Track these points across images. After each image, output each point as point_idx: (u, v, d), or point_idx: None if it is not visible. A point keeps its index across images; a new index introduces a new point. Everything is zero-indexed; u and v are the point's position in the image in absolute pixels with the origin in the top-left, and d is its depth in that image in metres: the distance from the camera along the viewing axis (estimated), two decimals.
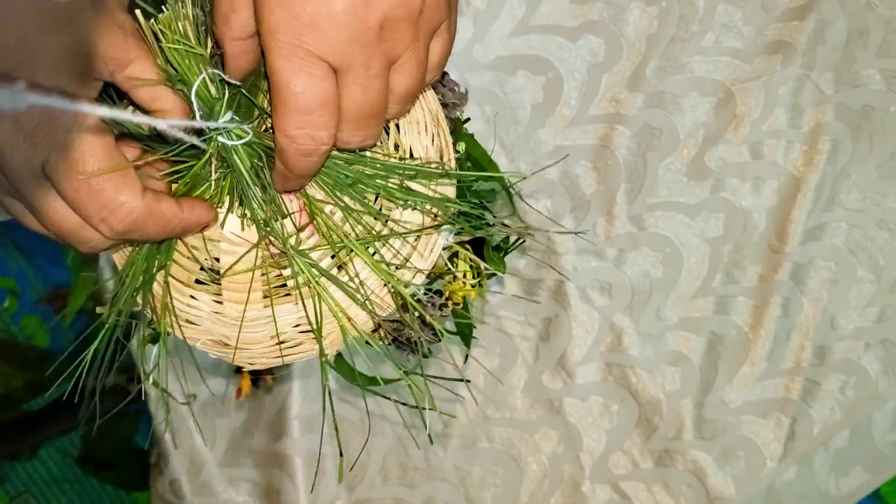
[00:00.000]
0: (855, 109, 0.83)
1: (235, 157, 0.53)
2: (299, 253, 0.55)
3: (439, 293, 0.64)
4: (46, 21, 0.44)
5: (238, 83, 0.52)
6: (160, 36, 0.51)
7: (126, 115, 0.39)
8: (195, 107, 0.52)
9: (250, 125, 0.52)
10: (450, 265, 0.61)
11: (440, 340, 0.61)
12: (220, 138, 0.52)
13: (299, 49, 0.43)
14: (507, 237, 0.67)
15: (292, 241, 0.55)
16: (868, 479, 0.83)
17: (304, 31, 0.43)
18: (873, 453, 0.83)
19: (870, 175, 0.83)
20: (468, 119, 0.67)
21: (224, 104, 0.52)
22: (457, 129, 0.65)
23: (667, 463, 0.85)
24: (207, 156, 0.54)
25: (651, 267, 0.85)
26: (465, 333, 0.70)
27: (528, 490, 0.87)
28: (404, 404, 0.60)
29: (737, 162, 0.84)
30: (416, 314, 0.57)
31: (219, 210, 0.56)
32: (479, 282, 0.64)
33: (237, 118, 0.52)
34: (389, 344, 0.61)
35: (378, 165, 0.55)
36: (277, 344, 0.57)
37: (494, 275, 0.66)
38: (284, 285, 0.56)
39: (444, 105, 0.64)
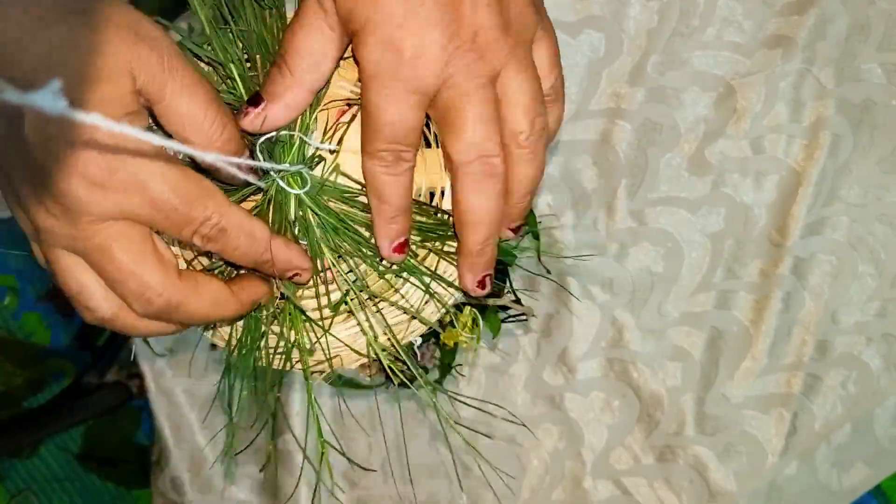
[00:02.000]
0: (856, 104, 0.83)
1: (289, 204, 0.53)
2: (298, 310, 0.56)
3: (436, 336, 0.65)
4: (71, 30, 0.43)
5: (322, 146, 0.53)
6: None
7: (183, 147, 0.38)
8: (256, 148, 0.52)
9: (309, 168, 0.53)
10: (454, 319, 0.61)
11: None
12: (279, 181, 0.52)
13: (398, 84, 0.45)
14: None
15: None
16: (870, 474, 0.83)
17: (404, 63, 0.44)
18: (875, 448, 0.83)
19: (871, 169, 0.83)
20: None
21: (292, 154, 0.52)
22: None
23: (668, 458, 0.85)
24: (265, 197, 0.54)
25: (652, 262, 0.85)
26: (446, 366, 0.71)
27: (529, 486, 0.87)
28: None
29: (737, 157, 0.84)
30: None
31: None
32: (473, 338, 0.65)
33: (301, 163, 0.53)
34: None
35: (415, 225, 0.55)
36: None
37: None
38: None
39: None
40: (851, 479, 0.84)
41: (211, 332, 0.58)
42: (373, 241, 0.54)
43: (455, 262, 0.55)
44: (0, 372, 1.36)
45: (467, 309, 0.64)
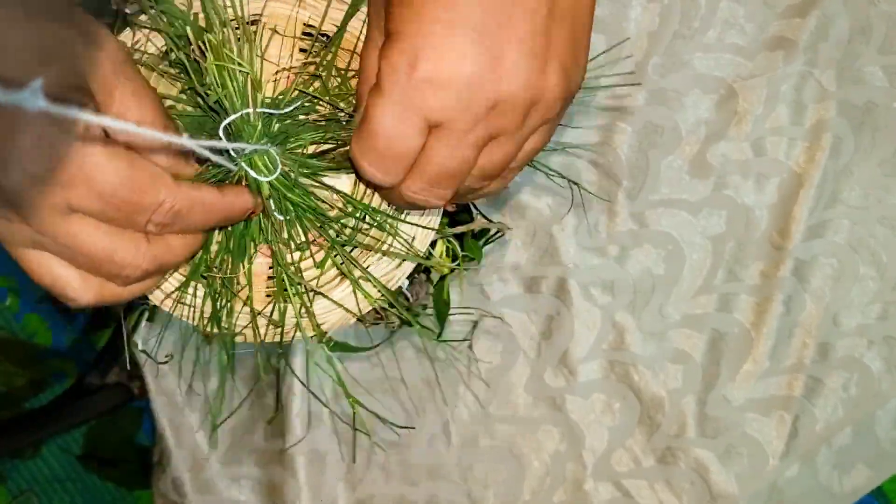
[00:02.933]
0: (857, 106, 0.83)
1: (262, 184, 0.54)
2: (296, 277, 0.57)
3: (427, 271, 0.66)
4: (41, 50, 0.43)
5: (276, 111, 0.53)
6: (207, 53, 0.52)
7: (152, 132, 0.39)
8: (221, 132, 0.53)
9: (278, 149, 0.53)
10: (430, 250, 0.63)
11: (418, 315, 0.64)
12: (249, 170, 0.53)
13: (408, 101, 0.44)
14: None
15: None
16: (871, 476, 0.83)
17: (420, 85, 0.43)
18: (876, 451, 0.83)
19: (872, 172, 0.83)
20: None
21: (257, 133, 0.53)
22: None
23: (669, 461, 0.85)
24: (235, 178, 0.55)
25: (653, 264, 0.85)
26: (441, 312, 0.71)
27: (530, 488, 0.87)
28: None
29: (739, 159, 0.84)
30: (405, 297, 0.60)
31: None
32: (457, 265, 0.66)
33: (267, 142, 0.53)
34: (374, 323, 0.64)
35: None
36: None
37: (472, 259, 0.68)
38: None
39: None
40: (853, 481, 0.83)
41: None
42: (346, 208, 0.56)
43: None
44: (1, 372, 1.36)
45: (440, 243, 0.65)
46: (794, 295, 0.83)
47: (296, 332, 0.58)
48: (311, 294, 0.57)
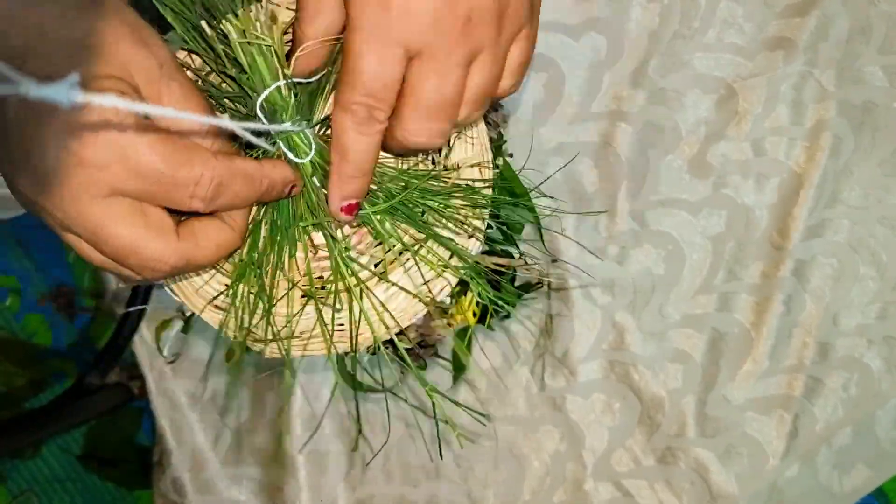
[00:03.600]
0: (857, 106, 0.83)
1: (304, 166, 0.53)
2: (348, 259, 0.55)
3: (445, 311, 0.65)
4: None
5: (306, 80, 0.53)
6: (231, 34, 0.51)
7: (188, 115, 0.38)
8: (259, 111, 0.52)
9: (312, 128, 0.53)
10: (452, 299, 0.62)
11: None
12: (285, 150, 0.53)
13: (381, 34, 0.45)
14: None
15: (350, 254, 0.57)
16: (871, 476, 0.83)
17: (391, 18, 0.44)
18: (876, 450, 0.83)
19: (872, 172, 0.83)
20: (505, 141, 0.68)
21: (290, 109, 0.53)
22: (493, 148, 0.67)
23: (669, 461, 0.85)
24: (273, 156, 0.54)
25: (653, 264, 0.85)
26: (459, 364, 0.71)
27: (530, 488, 0.87)
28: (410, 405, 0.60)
29: (739, 159, 0.84)
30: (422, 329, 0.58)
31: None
32: (488, 314, 0.65)
33: (301, 121, 0.53)
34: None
35: (422, 180, 0.56)
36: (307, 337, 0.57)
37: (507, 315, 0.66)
38: (323, 287, 0.57)
39: (486, 123, 0.65)
40: (853, 482, 0.83)
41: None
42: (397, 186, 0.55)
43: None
44: (1, 372, 1.36)
45: (470, 295, 0.64)
46: (794, 295, 0.83)
47: (331, 344, 0.57)
48: (364, 286, 0.56)
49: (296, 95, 0.53)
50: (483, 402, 0.87)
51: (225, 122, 0.40)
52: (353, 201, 0.52)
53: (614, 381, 0.86)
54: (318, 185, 0.55)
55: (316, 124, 0.55)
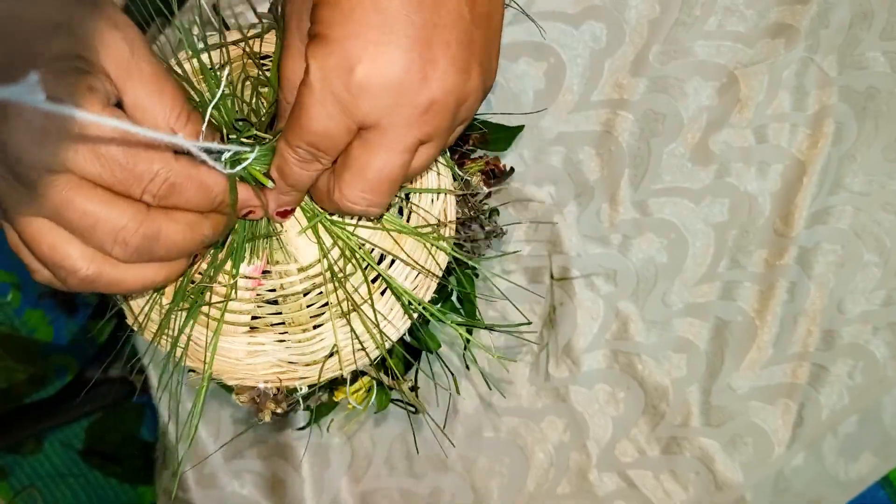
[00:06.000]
0: (859, 92, 0.83)
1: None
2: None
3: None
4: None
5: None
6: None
7: (154, 133, 0.38)
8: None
9: (258, 147, 0.53)
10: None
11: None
12: (250, 173, 0.53)
13: (337, 102, 0.44)
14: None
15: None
16: (877, 463, 0.83)
17: (355, 91, 0.43)
18: (882, 438, 0.83)
19: (875, 157, 0.83)
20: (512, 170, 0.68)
21: (254, 129, 0.52)
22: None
23: (674, 450, 0.85)
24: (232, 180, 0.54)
25: (656, 253, 0.85)
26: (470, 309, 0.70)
27: (534, 479, 0.87)
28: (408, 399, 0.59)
29: (741, 146, 0.84)
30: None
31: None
32: (363, 404, 0.66)
33: (246, 142, 0.52)
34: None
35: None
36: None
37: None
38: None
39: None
40: (859, 469, 0.83)
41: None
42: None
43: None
44: (2, 368, 1.36)
45: (366, 378, 0.64)
46: (797, 282, 0.83)
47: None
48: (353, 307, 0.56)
49: (258, 117, 0.53)
50: (487, 394, 0.87)
51: (182, 141, 0.40)
52: (289, 208, 0.54)
53: (618, 371, 0.85)
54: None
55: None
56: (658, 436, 0.85)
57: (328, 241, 0.56)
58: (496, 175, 0.68)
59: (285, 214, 0.54)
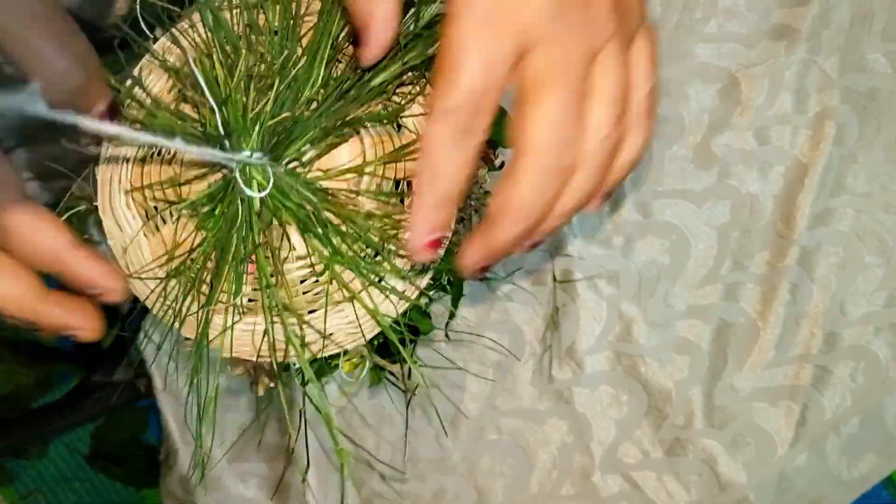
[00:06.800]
0: (861, 93, 0.83)
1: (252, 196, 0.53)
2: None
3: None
4: None
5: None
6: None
7: (143, 135, 0.38)
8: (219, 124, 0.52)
9: (275, 166, 0.52)
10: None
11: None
12: (238, 177, 0.52)
13: (492, 24, 0.37)
14: None
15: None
16: (880, 464, 0.83)
17: (505, 7, 0.37)
18: (885, 438, 0.83)
19: (877, 159, 0.83)
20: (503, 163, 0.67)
21: (254, 139, 0.52)
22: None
23: (677, 452, 0.85)
24: (224, 181, 0.54)
25: (658, 255, 0.85)
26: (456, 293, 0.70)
27: (538, 481, 0.87)
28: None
29: (743, 148, 0.84)
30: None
31: None
32: (357, 375, 0.66)
33: (263, 155, 0.52)
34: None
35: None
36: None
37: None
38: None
39: None
40: (862, 469, 0.83)
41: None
42: (343, 242, 0.54)
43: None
44: (8, 373, 1.36)
45: (355, 356, 0.64)
46: (800, 284, 0.83)
47: (286, 355, 0.56)
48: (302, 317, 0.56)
49: (261, 125, 0.52)
50: (490, 396, 0.87)
51: (169, 142, 0.40)
52: (439, 234, 0.43)
53: (621, 373, 0.86)
54: (267, 222, 0.54)
55: (286, 162, 0.55)
56: (661, 437, 0.85)
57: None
58: (490, 163, 0.68)
59: (436, 245, 0.43)
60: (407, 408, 0.85)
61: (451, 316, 0.76)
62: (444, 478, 0.88)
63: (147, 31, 0.55)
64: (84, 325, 0.47)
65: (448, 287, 0.70)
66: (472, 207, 0.66)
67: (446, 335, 0.70)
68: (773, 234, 0.84)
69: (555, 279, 0.86)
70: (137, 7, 0.54)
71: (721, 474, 0.84)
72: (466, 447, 0.87)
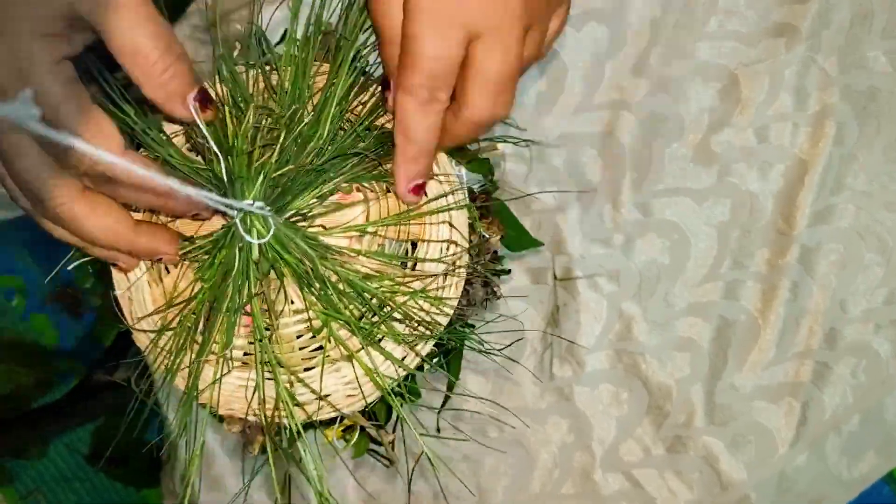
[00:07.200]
0: (861, 91, 0.83)
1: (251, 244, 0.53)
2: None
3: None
4: None
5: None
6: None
7: (147, 172, 0.39)
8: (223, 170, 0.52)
9: (276, 217, 0.53)
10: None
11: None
12: (238, 223, 0.52)
13: (443, 16, 0.46)
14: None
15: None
16: (881, 462, 0.83)
17: (453, 2, 0.45)
18: (886, 437, 0.83)
19: (877, 157, 0.83)
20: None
21: (257, 189, 0.52)
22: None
23: (678, 450, 0.85)
24: (226, 228, 0.54)
25: (658, 253, 0.85)
26: (455, 362, 0.70)
27: (539, 479, 0.87)
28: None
29: (743, 146, 0.84)
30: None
31: None
32: (345, 445, 0.67)
33: (265, 205, 0.52)
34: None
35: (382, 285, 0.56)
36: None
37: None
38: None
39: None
40: (862, 468, 0.83)
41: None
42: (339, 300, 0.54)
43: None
44: (8, 373, 1.36)
45: (347, 420, 0.65)
46: (800, 281, 0.83)
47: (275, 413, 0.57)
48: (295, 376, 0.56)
49: (265, 176, 0.53)
50: (491, 394, 0.87)
51: (164, 180, 0.40)
52: (420, 181, 0.54)
53: (622, 371, 0.86)
54: (265, 272, 0.55)
55: (287, 215, 0.55)
56: (662, 435, 0.85)
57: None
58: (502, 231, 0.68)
59: (418, 190, 0.55)
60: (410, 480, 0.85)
61: (451, 387, 0.77)
62: (446, 476, 0.88)
63: None
64: (169, 249, 0.55)
65: (445, 365, 0.70)
66: (480, 275, 0.66)
67: (442, 406, 0.72)
68: (773, 232, 0.84)
69: (555, 277, 0.86)
70: None
71: (722, 472, 0.84)
72: (468, 446, 0.87)
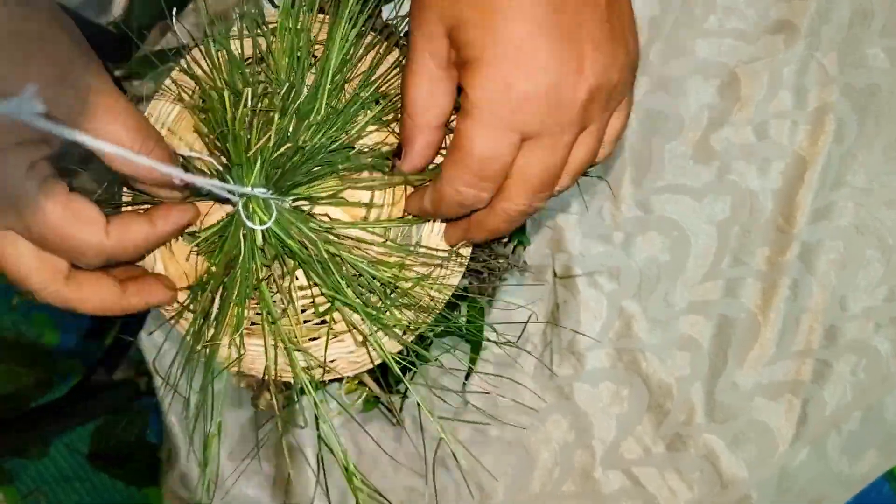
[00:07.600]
0: (860, 89, 0.83)
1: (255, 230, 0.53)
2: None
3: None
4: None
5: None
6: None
7: (148, 160, 0.39)
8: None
9: (280, 201, 0.52)
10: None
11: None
12: (240, 210, 0.52)
13: (499, 117, 0.44)
14: None
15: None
16: (881, 460, 0.83)
17: (511, 105, 0.44)
18: (886, 435, 0.83)
19: (876, 155, 0.83)
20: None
21: (256, 173, 0.52)
22: None
23: (679, 448, 0.85)
24: (233, 221, 0.54)
25: (659, 251, 0.85)
26: (476, 343, 0.70)
27: (539, 478, 0.87)
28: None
29: (742, 144, 0.84)
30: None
31: None
32: (357, 399, 0.67)
33: (268, 191, 0.52)
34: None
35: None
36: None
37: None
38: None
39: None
40: (862, 466, 0.83)
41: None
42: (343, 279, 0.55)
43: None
44: (8, 372, 1.36)
45: (356, 380, 0.65)
46: (800, 279, 0.83)
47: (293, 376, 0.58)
48: (300, 343, 0.57)
49: (263, 159, 0.52)
50: (491, 393, 0.87)
51: (166, 168, 0.40)
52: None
53: (622, 369, 0.86)
54: (271, 258, 0.55)
55: (290, 198, 0.55)
56: (662, 433, 0.85)
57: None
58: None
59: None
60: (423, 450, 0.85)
61: (469, 373, 0.77)
62: (447, 474, 0.88)
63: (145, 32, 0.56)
64: (163, 297, 0.57)
65: (468, 339, 0.70)
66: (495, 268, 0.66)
67: (463, 388, 0.72)
68: (773, 229, 0.84)
69: (555, 275, 0.86)
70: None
71: (723, 471, 0.84)
72: (468, 444, 0.87)
